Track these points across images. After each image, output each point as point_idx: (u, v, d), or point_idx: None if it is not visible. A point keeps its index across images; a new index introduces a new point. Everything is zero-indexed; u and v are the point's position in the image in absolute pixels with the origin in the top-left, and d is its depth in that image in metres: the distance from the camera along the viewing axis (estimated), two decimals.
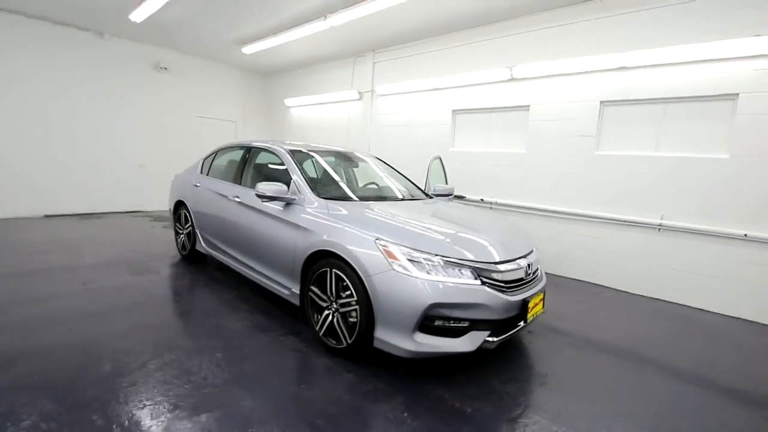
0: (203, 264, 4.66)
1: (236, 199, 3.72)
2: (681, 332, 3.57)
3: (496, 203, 5.68)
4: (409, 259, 2.36)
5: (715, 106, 4.06)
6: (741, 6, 3.78)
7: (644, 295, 4.53)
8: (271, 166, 3.84)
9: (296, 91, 8.98)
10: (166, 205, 8.37)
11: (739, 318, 3.96)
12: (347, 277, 2.56)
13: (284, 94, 9.32)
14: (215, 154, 4.67)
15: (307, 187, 3.20)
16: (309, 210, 3.03)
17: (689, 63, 4.11)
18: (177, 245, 4.93)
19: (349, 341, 2.59)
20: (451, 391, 2.39)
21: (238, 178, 3.96)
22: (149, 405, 2.08)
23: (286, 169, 3.44)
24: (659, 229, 4.39)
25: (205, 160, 4.76)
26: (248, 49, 7.31)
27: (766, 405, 2.48)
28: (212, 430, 1.92)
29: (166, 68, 7.96)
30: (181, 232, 4.82)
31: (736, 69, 3.87)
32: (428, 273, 2.33)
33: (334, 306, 2.70)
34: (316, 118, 8.66)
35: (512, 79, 5.41)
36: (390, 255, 2.40)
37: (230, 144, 4.55)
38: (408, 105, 6.78)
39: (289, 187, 3.22)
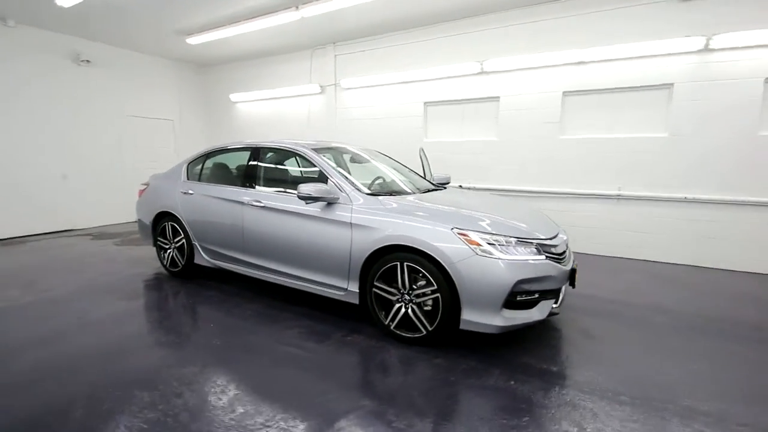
0: (198, 279, 4.25)
1: (257, 204, 3.50)
2: (647, 281, 4.33)
3: (474, 188, 6.11)
4: (489, 243, 2.56)
5: (655, 94, 4.93)
6: (676, 11, 4.62)
7: (605, 255, 5.35)
8: (292, 166, 3.70)
9: (245, 86, 8.40)
10: (102, 220, 7.37)
11: (682, 264, 4.93)
12: (424, 268, 2.66)
13: (229, 88, 8.64)
14: (204, 157, 4.27)
15: (350, 184, 3.18)
16: (357, 207, 3.02)
17: (635, 58, 4.90)
18: (162, 262, 4.41)
19: (430, 328, 2.70)
20: (532, 357, 2.66)
21: (250, 182, 3.71)
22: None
23: (318, 168, 3.35)
24: (618, 199, 5.22)
25: (189, 164, 4.32)
26: (195, 40, 6.64)
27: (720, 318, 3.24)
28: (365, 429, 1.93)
29: (88, 61, 6.82)
30: (167, 246, 4.33)
31: (671, 63, 4.74)
32: (508, 253, 2.55)
33: (407, 298, 2.78)
34: (271, 113, 8.23)
35: (482, 72, 5.83)
36: (471, 241, 2.56)
37: (223, 146, 4.19)
38: (377, 98, 6.85)
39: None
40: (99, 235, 6.59)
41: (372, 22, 6.14)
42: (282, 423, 1.98)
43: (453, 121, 6.34)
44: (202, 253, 4.04)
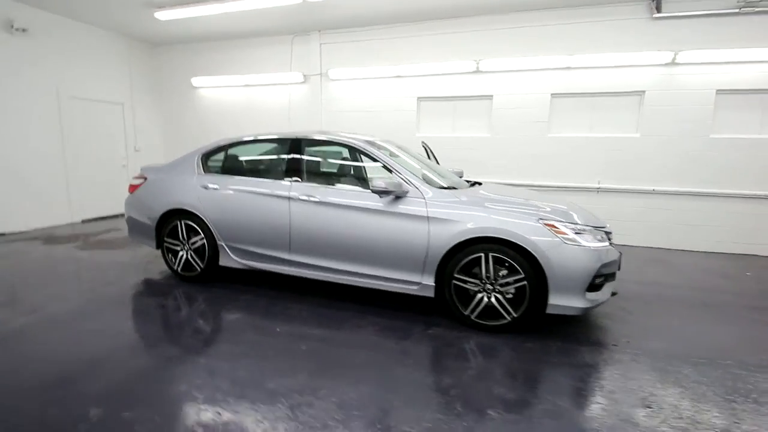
0: (218, 283, 3.87)
1: (310, 199, 3.30)
2: (638, 264, 4.99)
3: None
4: (575, 232, 2.77)
5: (629, 99, 5.64)
6: (649, 27, 5.33)
7: None
8: (343, 159, 3.56)
9: (211, 70, 7.63)
10: (42, 221, 6.20)
11: (654, 247, 5.76)
12: (511, 258, 2.79)
13: (191, 71, 7.78)
14: (225, 148, 3.87)
15: (417, 178, 3.16)
16: (431, 201, 3.04)
17: (613, 67, 5.55)
18: (172, 266, 3.91)
19: (516, 315, 2.85)
20: (602, 334, 2.97)
21: (295, 175, 3.47)
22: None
23: (381, 163, 3.28)
24: (597, 191, 5.90)
25: (204, 156, 3.88)
26: (165, 15, 5.86)
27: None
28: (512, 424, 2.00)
29: (24, 30, 5.62)
30: (178, 248, 3.85)
31: (644, 73, 5.46)
32: (590, 241, 2.79)
33: (489, 287, 2.89)
34: (243, 101, 7.61)
35: (478, 71, 6.10)
36: (558, 231, 2.75)
37: (251, 136, 3.84)
38: (368, 91, 6.76)
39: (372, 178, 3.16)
40: (48, 239, 5.55)
41: (365, 13, 6.03)
42: (444, 425, 1.98)
43: (446, 117, 6.54)
44: (231, 254, 3.68)
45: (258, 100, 7.51)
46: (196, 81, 7.72)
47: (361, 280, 3.27)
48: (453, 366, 2.52)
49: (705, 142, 5.37)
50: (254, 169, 3.78)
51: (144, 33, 7.24)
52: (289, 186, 3.44)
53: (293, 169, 3.53)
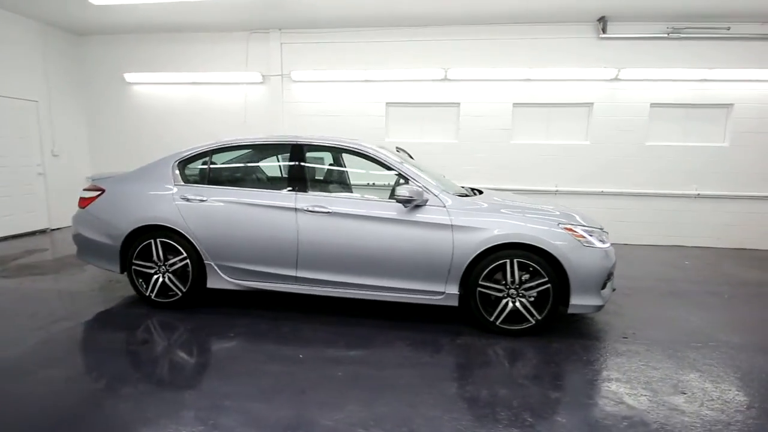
0: (199, 309, 3.40)
1: (320, 210, 3.04)
2: None
3: None
4: (590, 235, 2.93)
5: (580, 110, 6.22)
6: (597, 46, 5.92)
7: None
8: (351, 167, 3.34)
9: (148, 65, 6.74)
10: None
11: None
12: (534, 262, 2.86)
13: (124, 66, 6.79)
14: (208, 154, 3.42)
15: (435, 186, 3.10)
16: (453, 209, 3.00)
17: (567, 80, 6.08)
18: (143, 291, 3.33)
19: (540, 317, 2.93)
20: (609, 328, 3.18)
21: (300, 185, 3.18)
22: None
23: (397, 171, 3.16)
24: (555, 194, 6.40)
25: (182, 163, 3.40)
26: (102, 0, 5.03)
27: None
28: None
29: None
30: (153, 271, 3.30)
31: (592, 87, 6.06)
32: (600, 242, 2.97)
33: (513, 292, 2.94)
34: (188, 100, 6.84)
35: (446, 79, 6.25)
36: (577, 235, 2.89)
37: (238, 141, 3.47)
38: (334, 94, 6.53)
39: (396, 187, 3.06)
40: None
41: (329, 14, 5.83)
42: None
43: (414, 122, 6.58)
44: (222, 274, 3.25)
45: (208, 100, 6.83)
46: (130, 77, 6.77)
47: (380, 293, 3.10)
48: (498, 375, 2.49)
49: (641, 148, 6.13)
50: (246, 178, 3.41)
51: (65, 20, 6.15)
52: (293, 196, 3.14)
53: (296, 178, 3.23)
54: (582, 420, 2.05)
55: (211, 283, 3.29)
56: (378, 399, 2.20)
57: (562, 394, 2.29)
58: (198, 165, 3.43)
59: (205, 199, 3.22)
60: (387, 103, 6.48)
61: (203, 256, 3.24)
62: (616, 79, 5.95)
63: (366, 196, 3.23)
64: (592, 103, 6.14)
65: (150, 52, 6.76)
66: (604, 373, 2.53)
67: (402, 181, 3.18)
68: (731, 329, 3.22)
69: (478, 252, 2.90)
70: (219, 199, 3.22)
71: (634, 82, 5.95)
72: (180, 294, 3.30)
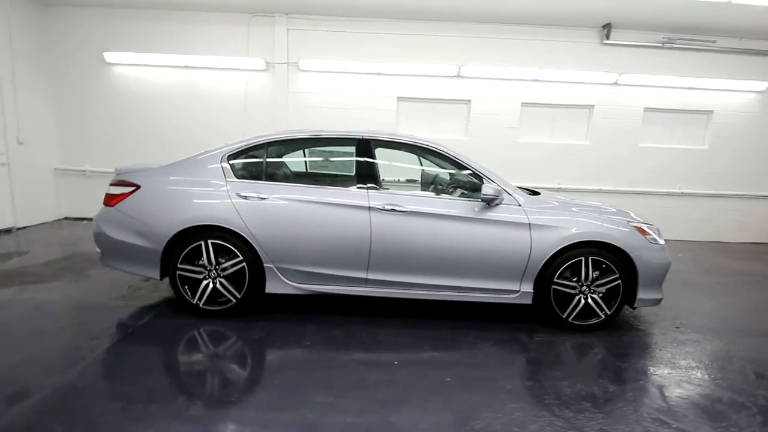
0: (257, 315, 3.14)
1: (397, 209, 2.91)
2: None
3: None
4: (654, 232, 3.08)
5: (581, 111, 6.53)
6: (600, 51, 6.23)
7: None
8: (417, 164, 3.24)
9: (133, 44, 6.02)
10: None
11: None
12: (607, 259, 2.96)
13: (104, 43, 6.01)
14: (263, 147, 3.12)
15: (509, 184, 3.09)
16: (529, 207, 3.02)
17: (571, 83, 6.34)
18: (190, 299, 2.98)
19: (609, 312, 3.04)
20: (661, 320, 3.38)
21: (371, 182, 3.02)
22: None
23: (472, 170, 3.10)
24: (558, 191, 6.69)
25: (233, 156, 3.07)
26: None
27: None
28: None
29: None
30: (203, 276, 2.97)
31: (593, 90, 6.39)
32: (661, 239, 3.14)
33: (586, 289, 3.02)
34: (181, 86, 6.23)
35: (459, 76, 6.25)
36: (642, 231, 3.03)
37: (293, 134, 3.21)
38: (345, 86, 6.28)
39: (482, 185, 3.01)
40: None
41: (341, 2, 5.60)
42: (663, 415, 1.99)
43: (425, 118, 6.53)
44: (284, 277, 3.00)
45: (204, 86, 6.27)
46: (111, 56, 6.02)
47: (455, 293, 3.05)
48: (591, 370, 2.56)
49: (635, 149, 6.58)
50: (307, 174, 3.16)
51: None
52: (366, 194, 2.98)
53: (366, 175, 3.05)
54: (702, 408, 2.15)
55: (271, 288, 3.03)
56: (496, 403, 2.15)
57: (664, 379, 2.41)
58: (251, 159, 3.13)
59: (265, 196, 2.94)
60: (398, 98, 6.36)
61: (263, 259, 2.97)
62: (616, 83, 6.32)
63: (442, 194, 3.16)
64: (593, 106, 6.47)
65: (136, 31, 6.04)
66: (683, 362, 2.69)
67: (476, 180, 3.11)
68: (756, 318, 3.57)
69: (556, 250, 2.95)
70: (282, 196, 2.96)
71: (632, 87, 6.35)
72: (234, 301, 3.01)
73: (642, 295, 3.04)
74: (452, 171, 3.32)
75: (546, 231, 2.96)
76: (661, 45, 6.14)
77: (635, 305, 3.07)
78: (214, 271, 2.99)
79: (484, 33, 6.15)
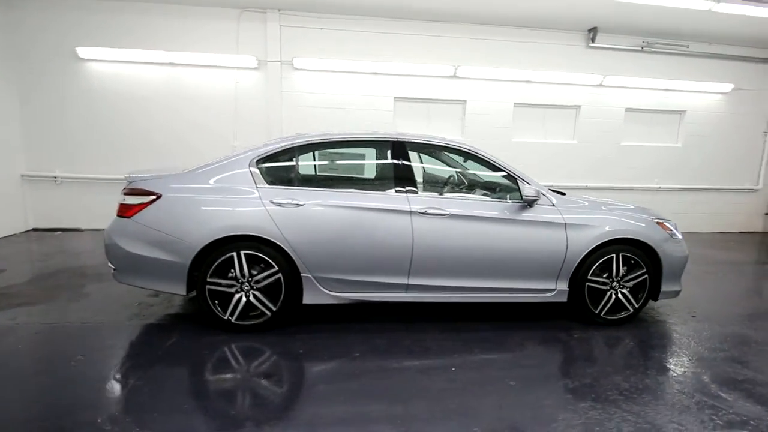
0: (290, 328, 2.99)
1: (437, 213, 2.87)
2: None
3: None
4: (674, 228, 3.24)
5: (569, 111, 6.80)
6: (586, 54, 6.50)
7: None
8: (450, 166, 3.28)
9: (110, 39, 5.53)
10: None
11: None
12: (636, 255, 3.09)
13: (76, 37, 5.49)
14: (293, 151, 2.96)
15: (540, 184, 3.13)
16: (562, 207, 3.09)
17: (559, 84, 6.58)
18: (223, 315, 2.77)
19: (637, 306, 3.17)
20: (677, 311, 3.57)
21: (408, 185, 2.95)
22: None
23: (506, 172, 3.14)
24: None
25: (262, 161, 2.89)
26: None
27: None
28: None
29: None
30: (235, 289, 2.77)
31: (580, 91, 6.66)
32: (679, 233, 3.31)
33: (617, 285, 3.13)
34: (164, 84, 5.81)
35: (455, 77, 6.29)
36: (666, 228, 3.19)
37: (324, 137, 3.05)
38: (341, 86, 6.14)
39: (518, 186, 3.06)
40: None
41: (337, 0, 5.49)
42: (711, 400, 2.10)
43: (420, 118, 6.53)
44: (322, 287, 2.87)
45: (188, 84, 5.90)
46: (84, 52, 5.51)
47: (495, 295, 3.06)
48: (637, 362, 2.65)
49: (617, 148, 6.95)
50: (341, 179, 3.03)
51: None
52: (406, 198, 2.91)
53: (403, 178, 2.98)
54: (737, 381, 2.30)
55: (308, 299, 2.89)
56: (573, 403, 2.18)
57: (703, 365, 2.55)
58: (282, 163, 2.96)
59: (302, 203, 2.80)
60: (395, 98, 6.32)
61: (300, 269, 2.83)
62: (601, 85, 6.63)
63: (477, 196, 3.17)
64: (579, 106, 6.75)
65: (114, 24, 5.56)
66: (712, 348, 2.86)
67: (508, 181, 3.13)
68: (761, 302, 3.89)
69: (591, 248, 3.04)
70: (319, 202, 2.83)
71: (614, 88, 6.69)
72: (268, 314, 2.84)
73: (665, 288, 3.21)
74: (484, 173, 3.32)
75: (580, 230, 3.04)
76: (640, 49, 6.52)
77: (659, 298, 3.24)
78: (247, 284, 2.81)
79: (479, 34, 6.24)
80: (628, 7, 5.50)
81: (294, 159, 2.99)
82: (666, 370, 2.57)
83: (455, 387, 2.31)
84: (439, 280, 2.98)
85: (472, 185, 3.40)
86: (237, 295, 2.81)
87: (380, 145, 3.14)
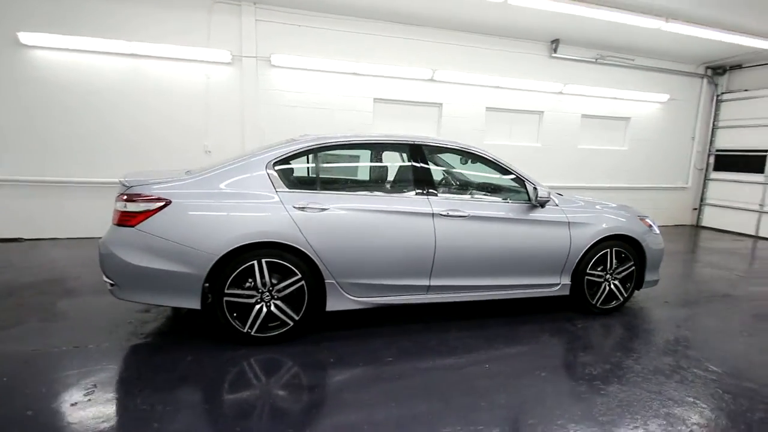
0: (308, 337, 2.90)
1: (457, 214, 2.93)
2: None
3: None
4: (653, 223, 3.62)
5: (534, 116, 7.26)
6: (549, 64, 6.98)
7: None
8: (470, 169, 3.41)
9: (61, 24, 4.86)
10: None
11: None
12: (626, 249, 3.40)
13: (16, 21, 4.75)
14: (312, 153, 2.85)
15: (543, 186, 3.33)
16: (564, 207, 3.31)
17: (526, 90, 7.00)
18: (242, 328, 2.61)
19: (626, 295, 3.49)
20: (653, 299, 3.98)
21: (428, 187, 2.97)
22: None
23: (517, 174, 3.34)
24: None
25: (279, 163, 2.75)
26: None
27: None
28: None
29: None
30: (255, 300, 2.62)
31: (543, 98, 7.14)
32: (656, 228, 3.69)
33: (609, 277, 3.42)
34: (124, 77, 5.24)
35: (432, 80, 6.43)
36: (647, 224, 3.55)
37: (341, 138, 2.98)
38: (321, 85, 5.98)
39: (525, 187, 3.25)
40: None
41: None
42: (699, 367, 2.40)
43: (399, 120, 6.58)
44: (346, 292, 2.80)
45: (153, 77, 5.38)
46: (28, 38, 4.80)
47: (509, 291, 3.21)
48: (641, 346, 2.95)
49: (575, 150, 7.56)
50: (361, 182, 2.98)
51: None
52: (427, 200, 2.94)
53: (423, 181, 3.01)
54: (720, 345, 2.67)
55: (332, 305, 2.81)
56: (604, 386, 2.37)
57: (695, 343, 2.90)
58: (301, 165, 2.85)
59: (326, 207, 2.72)
60: (375, 99, 6.31)
61: (324, 275, 2.74)
62: (561, 93, 7.17)
63: (492, 197, 3.31)
64: (543, 112, 7.24)
65: (65, 9, 4.90)
66: (694, 326, 3.27)
67: (517, 183, 3.32)
68: (709, 282, 4.47)
69: (590, 244, 3.30)
70: (343, 206, 2.76)
71: (573, 96, 7.27)
72: (290, 324, 2.72)
73: (648, 277, 3.58)
74: (494, 175, 3.44)
75: (581, 228, 3.29)
76: (595, 60, 7.16)
77: (642, 287, 3.60)
78: (267, 293, 2.67)
79: (454, 40, 6.44)
80: (584, 21, 5.99)
81: (313, 161, 2.89)
82: (667, 352, 2.87)
83: (496, 383, 2.40)
84: (458, 280, 3.06)
85: (483, 187, 3.52)
86: (257, 306, 2.65)
87: (399, 148, 3.14)
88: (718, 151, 8.17)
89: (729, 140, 7.99)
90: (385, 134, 3.17)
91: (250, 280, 2.63)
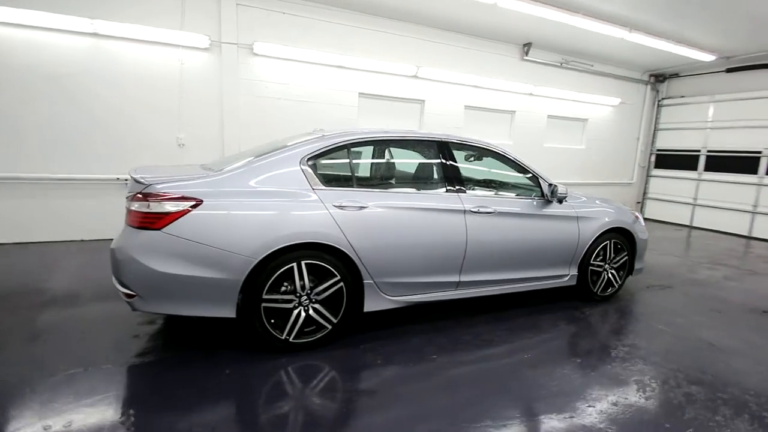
0: (345, 339, 2.80)
1: (485, 210, 2.99)
2: None
3: None
4: (639, 215, 3.98)
5: (507, 116, 7.60)
6: (520, 66, 7.32)
7: None
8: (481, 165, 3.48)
9: None
10: None
11: None
12: (620, 240, 3.71)
13: None
14: (347, 149, 2.74)
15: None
16: (572, 202, 3.52)
17: (500, 90, 7.30)
18: (280, 335, 2.45)
19: (620, 282, 3.81)
20: (633, 281, 4.38)
21: (456, 184, 3.01)
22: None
23: (533, 172, 3.47)
24: None
25: (313, 159, 2.61)
26: None
27: None
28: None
29: None
30: (293, 305, 2.48)
31: (515, 98, 7.49)
32: (642, 220, 4.06)
33: (607, 266, 3.71)
34: (85, 58, 4.60)
35: (416, 77, 6.45)
36: (635, 216, 3.89)
37: (379, 134, 2.95)
38: (305, 77, 5.73)
39: (540, 184, 3.41)
40: None
41: None
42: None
43: (382, 116, 6.53)
44: (383, 292, 2.74)
45: (121, 59, 4.80)
46: None
47: (527, 284, 3.35)
48: (642, 328, 3.24)
49: (542, 149, 8.05)
50: (392, 178, 2.91)
51: None
52: (458, 197, 2.95)
53: (452, 177, 3.03)
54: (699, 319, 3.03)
55: (370, 306, 2.73)
56: (635, 366, 2.57)
57: (683, 314, 3.25)
58: (336, 161, 2.71)
59: (365, 205, 2.62)
60: (360, 94, 6.19)
61: (363, 275, 2.65)
62: (531, 94, 7.58)
63: (509, 193, 3.43)
64: (515, 111, 7.61)
65: None
66: (681, 304, 3.65)
67: (531, 181, 3.46)
68: (674, 267, 5.01)
69: (595, 237, 3.55)
70: (381, 203, 2.69)
71: (541, 97, 7.72)
72: (329, 327, 2.60)
73: (637, 265, 3.94)
74: (512, 172, 3.55)
75: (588, 222, 3.53)
76: (560, 65, 7.66)
77: (633, 273, 3.96)
78: (306, 297, 2.52)
79: (437, 38, 6.52)
80: (556, 26, 6.34)
81: (348, 157, 2.78)
82: (670, 331, 3.20)
83: (544, 371, 2.50)
84: (485, 275, 3.13)
85: (502, 184, 3.62)
86: (296, 311, 2.51)
87: (427, 145, 3.12)
88: (658, 150, 9.19)
89: (668, 141, 9.02)
90: (410, 130, 3.14)
91: (285, 284, 2.48)
